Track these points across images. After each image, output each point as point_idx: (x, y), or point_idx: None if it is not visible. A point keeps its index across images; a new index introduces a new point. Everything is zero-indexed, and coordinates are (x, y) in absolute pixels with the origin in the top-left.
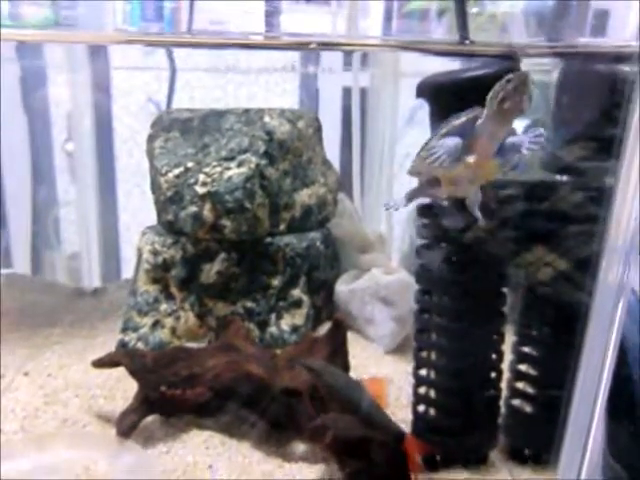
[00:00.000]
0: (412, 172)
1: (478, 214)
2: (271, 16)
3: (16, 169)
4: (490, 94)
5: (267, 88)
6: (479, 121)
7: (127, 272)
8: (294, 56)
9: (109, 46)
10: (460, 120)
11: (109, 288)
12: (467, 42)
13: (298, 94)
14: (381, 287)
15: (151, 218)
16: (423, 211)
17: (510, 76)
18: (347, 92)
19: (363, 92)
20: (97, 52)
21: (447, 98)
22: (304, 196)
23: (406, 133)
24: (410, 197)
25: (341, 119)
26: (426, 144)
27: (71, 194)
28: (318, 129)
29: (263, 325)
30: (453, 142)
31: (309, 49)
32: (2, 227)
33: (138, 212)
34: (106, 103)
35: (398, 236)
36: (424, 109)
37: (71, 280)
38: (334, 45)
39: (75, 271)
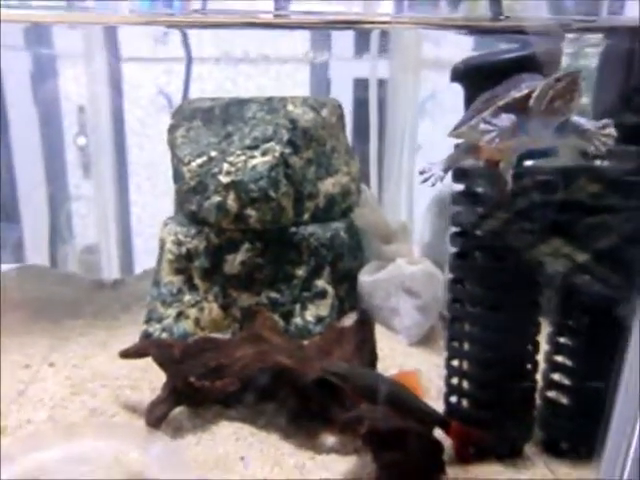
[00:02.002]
0: (455, 135)
1: (509, 178)
2: (281, 2)
3: (28, 163)
4: (537, 92)
5: (278, 79)
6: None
7: (140, 264)
8: (305, 45)
9: (120, 37)
10: (518, 94)
11: (128, 280)
12: (502, 17)
13: (309, 85)
14: (405, 278)
15: (162, 210)
16: (458, 198)
17: (561, 74)
18: (359, 83)
19: (380, 82)
20: (107, 43)
21: (484, 81)
22: (328, 185)
23: (417, 124)
24: (449, 164)
25: (353, 110)
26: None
27: (83, 188)
28: (341, 117)
29: (287, 316)
30: (509, 121)
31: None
32: (15, 221)
33: (149, 204)
34: (117, 96)
35: (418, 226)
36: (434, 100)
37: (86, 273)
38: (354, 23)
39: (89, 264)
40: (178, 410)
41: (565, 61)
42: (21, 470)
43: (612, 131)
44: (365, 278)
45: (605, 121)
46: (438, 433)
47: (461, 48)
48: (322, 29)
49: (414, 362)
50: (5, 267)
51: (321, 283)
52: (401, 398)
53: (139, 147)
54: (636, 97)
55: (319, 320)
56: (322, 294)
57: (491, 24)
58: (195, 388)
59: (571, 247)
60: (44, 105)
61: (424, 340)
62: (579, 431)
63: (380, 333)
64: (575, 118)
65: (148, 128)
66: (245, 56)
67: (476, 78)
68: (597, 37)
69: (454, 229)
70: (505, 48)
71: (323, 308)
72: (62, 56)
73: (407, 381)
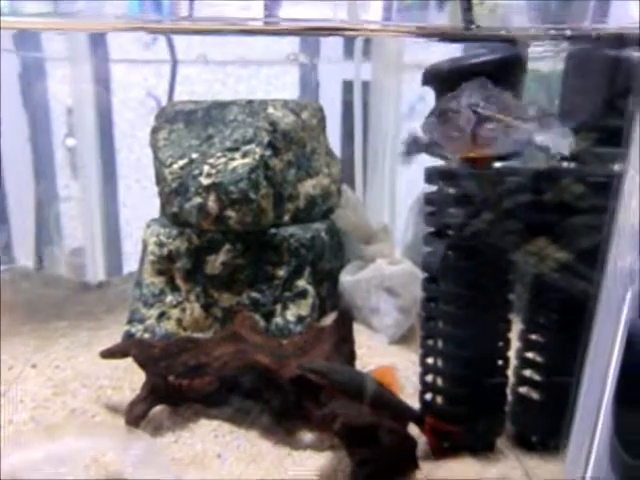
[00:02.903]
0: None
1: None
2: (270, 8)
3: (17, 165)
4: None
5: (268, 81)
6: None
7: (128, 266)
8: (295, 48)
9: (108, 40)
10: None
11: (113, 281)
12: (473, 27)
13: (299, 87)
14: (386, 277)
15: (151, 212)
16: (431, 199)
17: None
18: (348, 85)
19: (365, 84)
20: (96, 45)
21: (453, 85)
22: (308, 187)
23: (406, 126)
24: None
25: (341, 112)
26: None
27: (72, 189)
28: (322, 119)
29: (268, 316)
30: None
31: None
32: (3, 223)
33: (138, 206)
34: (106, 98)
35: (401, 227)
36: (424, 102)
37: (73, 275)
38: (338, 30)
39: (77, 266)
40: (158, 409)
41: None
42: (2, 470)
43: (571, 141)
44: (346, 278)
45: (565, 130)
46: (413, 429)
47: (446, 51)
48: (309, 35)
49: (393, 360)
50: None
51: (302, 283)
52: (377, 394)
53: (128, 149)
54: (618, 101)
55: (300, 320)
56: (303, 294)
57: (462, 33)
58: (174, 387)
59: (551, 246)
60: (33, 106)
61: (404, 339)
62: (549, 425)
63: (360, 332)
64: (536, 136)
65: (137, 130)
66: (234, 59)
67: (444, 82)
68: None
69: (428, 229)
70: (473, 53)
71: (304, 308)
72: (50, 58)
73: (384, 377)
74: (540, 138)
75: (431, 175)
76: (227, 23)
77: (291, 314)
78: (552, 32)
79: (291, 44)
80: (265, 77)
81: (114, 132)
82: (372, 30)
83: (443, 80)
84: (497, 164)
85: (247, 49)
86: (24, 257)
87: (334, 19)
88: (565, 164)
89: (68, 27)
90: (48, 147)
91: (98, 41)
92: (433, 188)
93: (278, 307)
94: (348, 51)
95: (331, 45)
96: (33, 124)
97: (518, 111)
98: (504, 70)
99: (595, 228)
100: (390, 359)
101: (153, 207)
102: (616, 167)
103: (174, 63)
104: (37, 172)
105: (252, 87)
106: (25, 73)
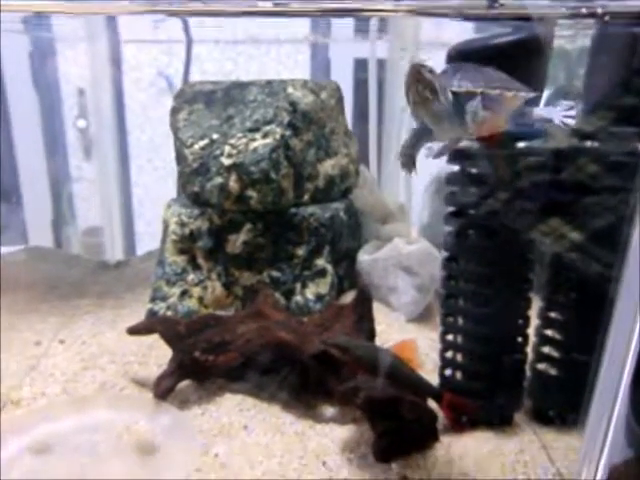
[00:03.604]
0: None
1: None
2: None
3: (29, 146)
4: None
5: (279, 60)
6: None
7: (141, 245)
8: (306, 27)
9: (119, 19)
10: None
11: (131, 261)
12: (497, 5)
13: (310, 66)
14: (403, 256)
15: (163, 192)
16: (452, 178)
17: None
18: (359, 63)
19: (380, 62)
20: (107, 26)
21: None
22: (327, 167)
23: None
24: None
25: (353, 90)
26: None
27: (84, 170)
28: (340, 99)
29: (288, 294)
30: None
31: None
32: (17, 203)
33: (150, 186)
34: (117, 78)
35: (416, 206)
36: None
37: (89, 254)
38: (352, 11)
39: (93, 245)
40: (184, 383)
41: (560, 44)
42: (35, 438)
43: (573, 112)
44: (364, 257)
45: (568, 103)
46: (432, 404)
47: (461, 29)
48: (321, 17)
49: (411, 337)
50: (10, 249)
51: (321, 262)
52: (398, 370)
53: (140, 129)
54: (634, 79)
55: (319, 298)
56: (322, 273)
57: (485, 12)
58: (200, 362)
59: (566, 226)
60: (44, 88)
61: (421, 317)
62: (566, 400)
63: (378, 310)
64: (537, 109)
65: (149, 110)
66: (245, 38)
67: (469, 61)
68: (590, 22)
69: (449, 209)
70: (497, 33)
71: (323, 286)
72: (61, 39)
73: (404, 351)
74: (537, 111)
75: (452, 155)
76: (239, 5)
77: (310, 292)
78: (579, 10)
79: (302, 23)
80: (276, 56)
81: (125, 112)
82: (389, 10)
83: (467, 59)
84: (520, 144)
85: (258, 28)
86: (39, 237)
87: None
88: (587, 143)
89: (78, 11)
90: (59, 128)
91: (109, 21)
92: (454, 168)
93: (298, 285)
94: (360, 30)
95: (343, 24)
96: (44, 105)
97: (498, 82)
98: (530, 50)
99: (613, 208)
100: (409, 336)
101: (166, 187)
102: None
103: (189, 44)
104: (49, 153)
105: (263, 66)
106: (35, 53)
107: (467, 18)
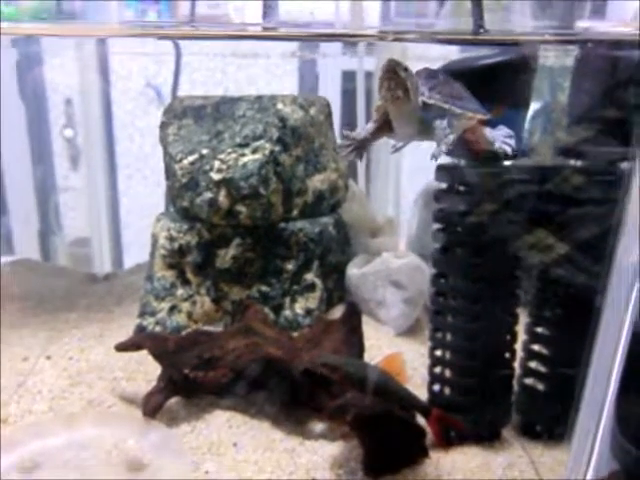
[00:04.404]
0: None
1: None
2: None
3: (15, 156)
4: None
5: (267, 70)
6: None
7: (129, 256)
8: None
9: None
10: None
11: (120, 273)
12: (482, 31)
13: (297, 76)
14: (392, 271)
15: (151, 203)
16: (440, 195)
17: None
18: (347, 75)
19: (368, 75)
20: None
21: (466, 84)
22: (316, 182)
23: None
24: (364, 136)
25: (341, 102)
26: None
27: (71, 180)
28: (329, 115)
29: (278, 309)
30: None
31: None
32: (3, 214)
33: (138, 197)
34: (105, 88)
35: (404, 220)
36: None
37: (76, 266)
38: (340, 36)
39: (79, 257)
40: (173, 400)
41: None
42: (23, 456)
43: (512, 141)
44: (353, 271)
45: (508, 131)
46: (420, 420)
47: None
48: (310, 41)
49: (400, 351)
50: None
51: (310, 277)
52: (387, 386)
53: (129, 139)
54: (617, 92)
55: (308, 312)
56: (311, 287)
57: (472, 37)
58: (190, 379)
59: (554, 239)
60: (31, 97)
61: (410, 331)
62: (554, 415)
63: (367, 324)
64: (487, 130)
65: (137, 120)
66: (234, 51)
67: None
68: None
69: (436, 225)
70: (484, 54)
71: (312, 301)
72: (48, 48)
73: (392, 365)
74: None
75: (440, 172)
76: (228, 29)
77: (300, 307)
78: (560, 37)
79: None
80: (265, 66)
81: (113, 122)
82: (375, 36)
83: (458, 78)
84: (507, 162)
85: (247, 44)
86: (25, 248)
87: (335, 22)
88: (570, 161)
89: (68, 33)
90: (46, 137)
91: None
92: (442, 185)
93: (287, 300)
94: (348, 46)
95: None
96: (31, 115)
97: (463, 100)
98: (517, 69)
99: (597, 220)
100: (397, 350)
101: (154, 197)
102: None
103: (178, 57)
104: (35, 163)
105: (252, 76)
106: (22, 63)
107: (455, 44)
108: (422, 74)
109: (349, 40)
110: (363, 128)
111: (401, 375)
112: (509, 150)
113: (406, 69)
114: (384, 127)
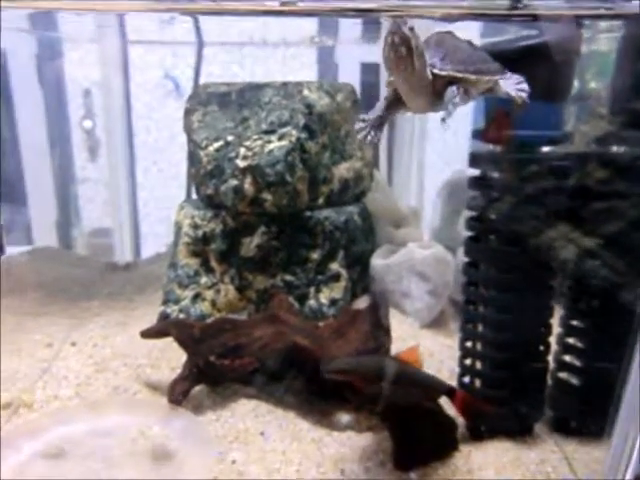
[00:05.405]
0: (386, 84)
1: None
2: None
3: (34, 146)
4: None
5: (284, 63)
6: None
7: (145, 247)
8: (313, 29)
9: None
10: None
11: (140, 262)
12: (520, 5)
13: (316, 69)
14: (417, 262)
15: (169, 194)
16: (473, 183)
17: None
18: (365, 67)
19: None
20: (114, 26)
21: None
22: (342, 170)
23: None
24: (377, 114)
25: (360, 94)
26: None
27: (89, 171)
28: (355, 102)
29: (302, 298)
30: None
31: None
32: (22, 204)
33: (156, 188)
34: (124, 79)
35: (428, 210)
36: None
37: (96, 255)
38: (362, 11)
39: (98, 246)
40: (197, 388)
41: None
42: (49, 442)
43: (525, 86)
44: (378, 261)
45: (517, 77)
46: (451, 410)
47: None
48: (330, 16)
49: (426, 343)
50: (17, 249)
51: (335, 266)
52: (407, 374)
53: (146, 130)
54: None
55: (333, 302)
56: (336, 277)
57: (508, 12)
58: (215, 367)
59: (579, 232)
60: (50, 88)
61: (434, 322)
62: (588, 410)
63: (392, 316)
64: (501, 82)
65: (155, 112)
66: (251, 40)
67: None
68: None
69: (469, 213)
70: (522, 35)
71: (337, 291)
72: (68, 39)
73: (409, 358)
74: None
75: (474, 159)
76: (247, 3)
77: (324, 297)
78: (600, 11)
79: (310, 25)
80: (282, 58)
81: (132, 113)
82: (405, 12)
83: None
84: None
85: (264, 30)
86: (43, 239)
87: None
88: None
89: (86, 7)
90: (65, 129)
91: (116, 22)
92: (475, 172)
93: (311, 290)
94: (367, 34)
95: (350, 27)
96: (50, 106)
97: (477, 64)
98: (554, 52)
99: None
100: (422, 343)
101: (171, 189)
102: None
103: (200, 45)
104: (54, 153)
105: (269, 68)
106: (42, 53)
107: (491, 19)
108: (431, 42)
109: (371, 15)
110: (375, 107)
111: (417, 364)
112: (525, 96)
113: (412, 29)
114: (396, 102)
